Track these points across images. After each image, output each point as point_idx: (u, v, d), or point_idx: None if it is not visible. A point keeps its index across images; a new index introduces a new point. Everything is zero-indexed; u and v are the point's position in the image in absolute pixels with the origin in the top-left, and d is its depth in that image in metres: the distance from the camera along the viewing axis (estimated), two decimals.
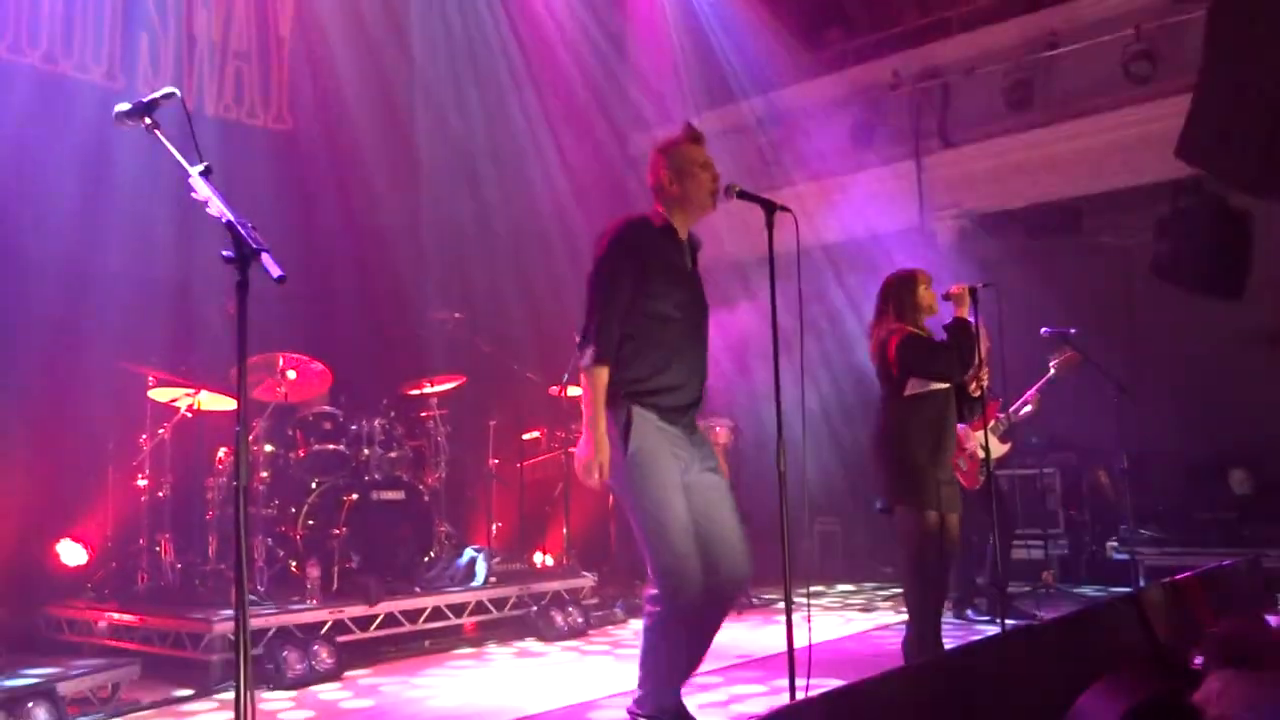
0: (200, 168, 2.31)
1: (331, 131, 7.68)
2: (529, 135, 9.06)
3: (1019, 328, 5.69)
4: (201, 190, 2.26)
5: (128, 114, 2.53)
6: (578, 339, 3.34)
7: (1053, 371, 6.28)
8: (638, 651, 3.34)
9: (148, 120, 2.50)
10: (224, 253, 2.13)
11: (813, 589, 7.63)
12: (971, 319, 4.51)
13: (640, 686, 3.31)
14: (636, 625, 6.39)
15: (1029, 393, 6.27)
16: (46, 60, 6.54)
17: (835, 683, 2.24)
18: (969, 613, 6.26)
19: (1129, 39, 7.59)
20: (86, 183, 6.25)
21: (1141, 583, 6.69)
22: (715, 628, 3.35)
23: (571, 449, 7.32)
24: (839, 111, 8.99)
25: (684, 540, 3.18)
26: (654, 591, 3.23)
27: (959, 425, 4.81)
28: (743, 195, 3.33)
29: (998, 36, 8.47)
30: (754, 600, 7.03)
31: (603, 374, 3.25)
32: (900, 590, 7.03)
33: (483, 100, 8.70)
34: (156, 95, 2.53)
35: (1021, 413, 6.25)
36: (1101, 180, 8.00)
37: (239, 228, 2.13)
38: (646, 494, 3.21)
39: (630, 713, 3.33)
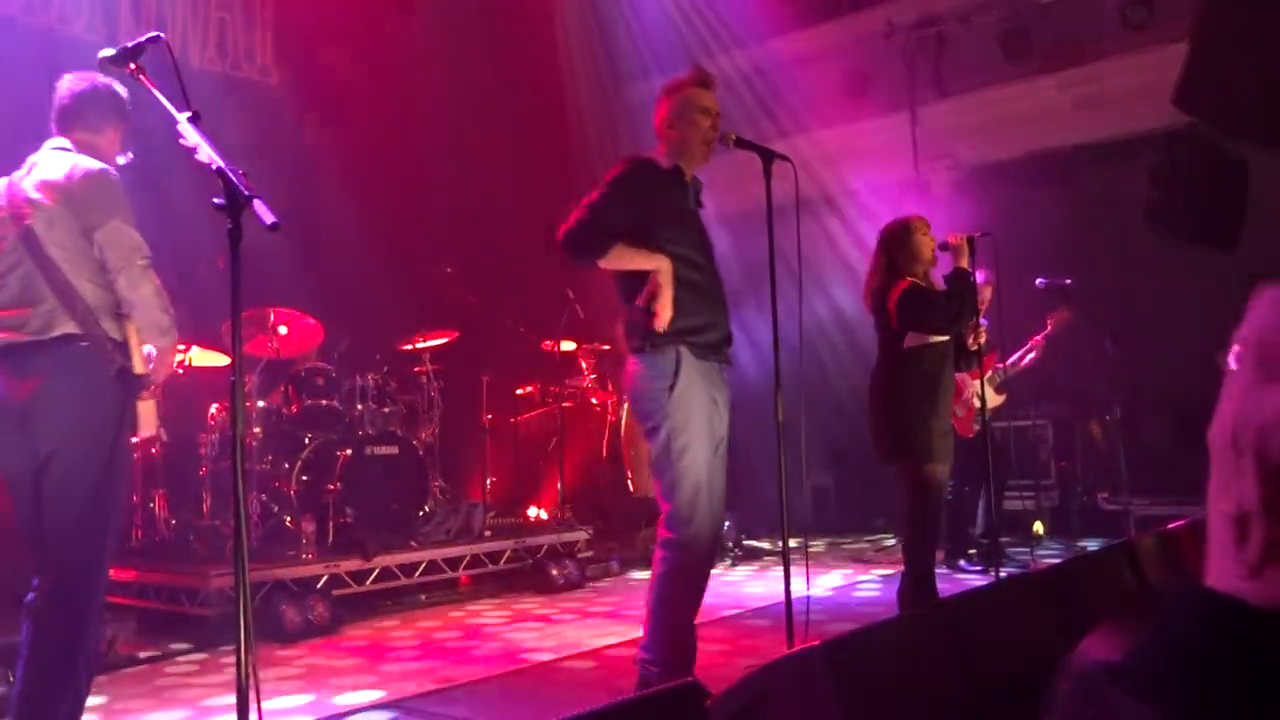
0: (188, 114, 2.26)
1: (318, 85, 7.57)
2: (523, 85, 8.94)
3: (1013, 278, 5.67)
4: (190, 136, 2.21)
5: (113, 60, 2.47)
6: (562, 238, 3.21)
7: (1050, 328, 6.30)
8: (635, 603, 3.34)
9: (133, 66, 2.45)
10: (215, 200, 2.08)
11: (807, 540, 7.66)
12: (971, 269, 4.46)
13: (648, 634, 3.31)
14: (631, 577, 6.43)
15: (1026, 346, 6.31)
16: (27, 12, 6.41)
17: (833, 631, 2.25)
18: (961, 563, 6.29)
19: None
20: None
21: (1133, 533, 6.73)
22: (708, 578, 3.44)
23: (564, 404, 7.35)
24: (833, 61, 8.88)
25: (705, 491, 3.24)
26: (670, 537, 3.25)
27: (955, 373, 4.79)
28: (740, 143, 3.29)
29: None
30: (737, 551, 7.09)
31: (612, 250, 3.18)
32: (892, 542, 7.08)
33: (474, 52, 8.57)
34: (141, 40, 2.47)
35: (1025, 360, 6.29)
36: (1097, 129, 7.94)
37: (229, 174, 2.08)
38: (678, 440, 3.22)
39: (639, 660, 3.33)
